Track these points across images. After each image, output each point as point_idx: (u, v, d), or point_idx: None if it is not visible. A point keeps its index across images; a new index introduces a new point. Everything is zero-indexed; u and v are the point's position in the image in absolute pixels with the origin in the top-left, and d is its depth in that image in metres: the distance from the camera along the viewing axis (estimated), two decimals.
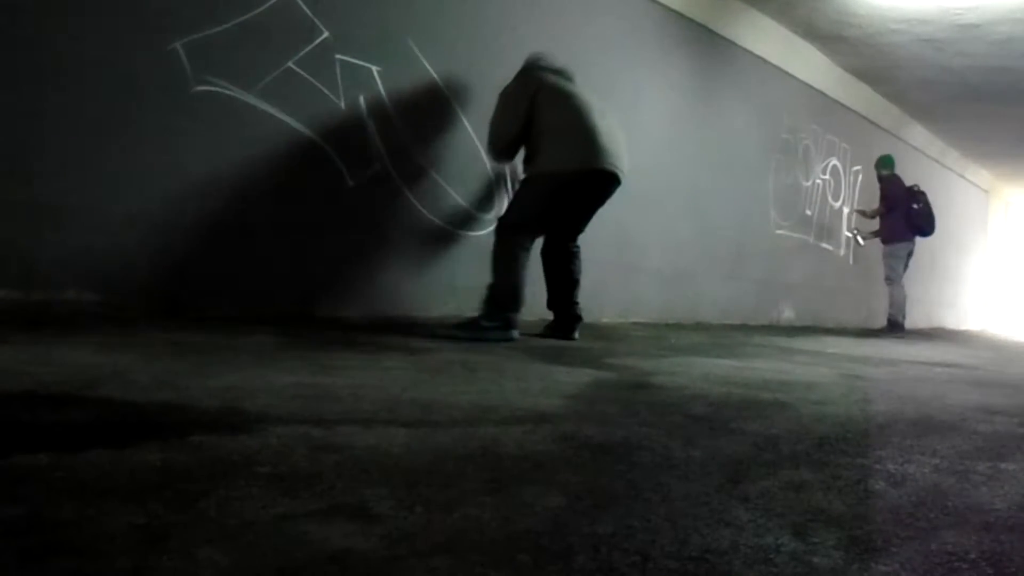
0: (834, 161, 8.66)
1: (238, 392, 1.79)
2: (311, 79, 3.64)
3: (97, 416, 1.50)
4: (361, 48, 3.84)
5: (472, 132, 4.36)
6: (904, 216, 7.97)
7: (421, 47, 4.10)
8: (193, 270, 3.31)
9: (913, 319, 8.54)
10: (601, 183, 3.80)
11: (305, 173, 3.65)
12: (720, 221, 6.69)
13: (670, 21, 5.99)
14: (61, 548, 0.87)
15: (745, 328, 6.53)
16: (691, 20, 6.17)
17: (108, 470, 1.15)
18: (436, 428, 1.63)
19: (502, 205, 4.45)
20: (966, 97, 8.68)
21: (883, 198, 8.13)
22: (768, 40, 7.03)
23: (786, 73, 7.49)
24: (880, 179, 8.22)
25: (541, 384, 2.34)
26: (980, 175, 13.15)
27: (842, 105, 8.59)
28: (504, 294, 3.62)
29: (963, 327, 12.69)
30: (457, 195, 4.33)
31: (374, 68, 3.91)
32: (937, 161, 11.20)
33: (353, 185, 3.83)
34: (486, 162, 4.37)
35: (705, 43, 6.40)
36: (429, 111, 4.18)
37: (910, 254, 8.11)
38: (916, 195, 8.05)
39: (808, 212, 8.27)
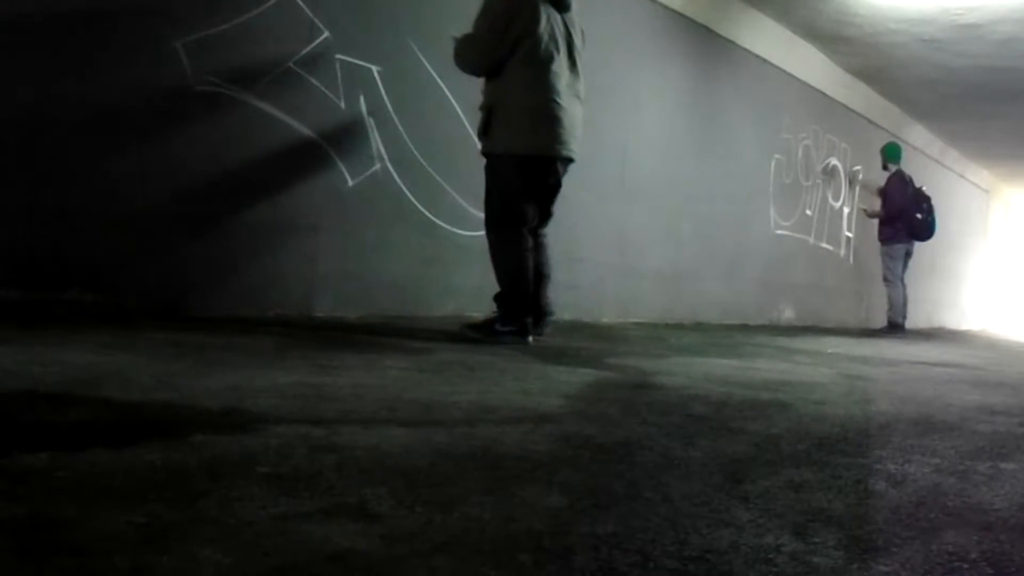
0: (834, 161, 8.66)
1: (238, 392, 1.79)
2: (311, 79, 3.64)
3: (97, 416, 1.50)
4: (361, 48, 3.84)
5: (472, 132, 4.35)
6: (906, 224, 7.86)
7: (421, 47, 4.10)
8: (193, 270, 3.31)
9: (913, 319, 8.53)
10: (556, 169, 3.59)
11: (305, 173, 3.65)
12: (720, 221, 6.69)
13: (670, 21, 5.98)
14: (61, 548, 0.87)
15: (745, 328, 6.52)
16: (691, 20, 6.16)
17: (108, 470, 1.15)
18: (436, 428, 1.63)
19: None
20: (966, 97, 8.67)
21: (884, 202, 7.99)
22: (768, 40, 7.03)
23: (786, 73, 7.49)
24: (884, 169, 8.08)
25: (541, 384, 2.34)
26: (980, 175, 13.15)
27: (842, 105, 8.58)
28: (515, 300, 3.49)
29: (963, 327, 12.69)
30: (457, 195, 4.32)
31: (374, 68, 3.91)
32: (937, 161, 11.20)
33: (353, 185, 3.83)
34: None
35: (705, 43, 6.39)
36: (429, 111, 4.18)
37: (909, 253, 8.02)
38: (920, 201, 7.89)
39: (808, 212, 8.26)
